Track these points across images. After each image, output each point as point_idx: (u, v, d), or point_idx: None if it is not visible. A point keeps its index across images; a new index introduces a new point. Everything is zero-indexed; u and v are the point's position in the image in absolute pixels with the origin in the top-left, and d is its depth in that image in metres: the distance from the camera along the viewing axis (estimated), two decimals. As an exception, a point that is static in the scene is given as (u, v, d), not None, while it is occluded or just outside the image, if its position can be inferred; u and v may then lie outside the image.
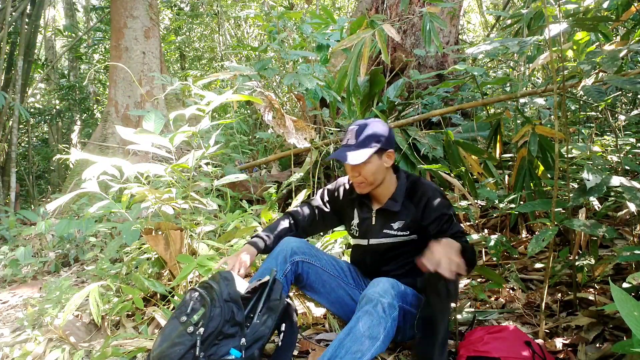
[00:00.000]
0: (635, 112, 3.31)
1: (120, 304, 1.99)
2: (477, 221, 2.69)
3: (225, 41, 9.93)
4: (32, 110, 9.02)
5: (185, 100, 6.33)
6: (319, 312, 1.98)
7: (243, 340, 1.35)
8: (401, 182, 1.70)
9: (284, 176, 3.93)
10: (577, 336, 1.58)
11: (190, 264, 1.83)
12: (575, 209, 2.03)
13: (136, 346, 1.71)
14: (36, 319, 2.16)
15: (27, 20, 7.01)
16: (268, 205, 2.68)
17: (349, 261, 1.93)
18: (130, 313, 2.11)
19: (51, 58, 9.83)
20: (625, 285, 1.60)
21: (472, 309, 1.97)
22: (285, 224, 1.83)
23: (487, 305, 2.01)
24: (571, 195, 1.59)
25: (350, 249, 1.92)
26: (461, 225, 1.65)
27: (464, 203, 2.56)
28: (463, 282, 2.27)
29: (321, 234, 2.88)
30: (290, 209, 1.95)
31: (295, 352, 1.67)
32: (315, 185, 3.16)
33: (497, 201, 2.37)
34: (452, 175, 2.61)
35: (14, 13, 6.53)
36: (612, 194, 1.88)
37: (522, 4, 4.67)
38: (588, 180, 1.50)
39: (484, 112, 3.40)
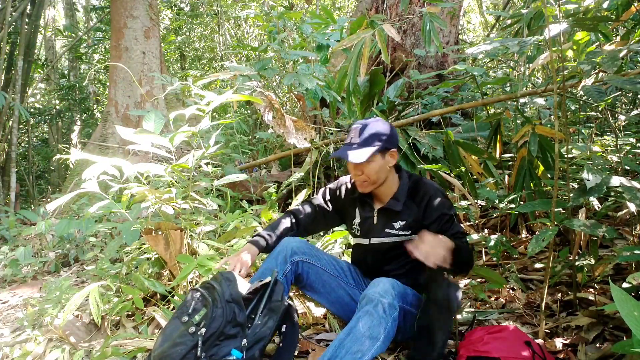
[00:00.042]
0: (635, 112, 3.30)
1: (120, 304, 1.99)
2: (477, 221, 2.69)
3: (225, 41, 9.93)
4: (32, 110, 9.02)
5: (185, 100, 6.33)
6: (319, 312, 1.98)
7: (244, 341, 1.35)
8: (403, 182, 1.70)
9: (284, 176, 3.93)
10: (577, 336, 1.58)
11: (190, 264, 1.83)
12: (575, 209, 2.03)
13: (136, 346, 1.71)
14: (36, 319, 2.16)
15: (27, 20, 7.01)
16: (268, 205, 2.68)
17: (350, 261, 1.93)
18: (130, 313, 2.11)
19: (51, 58, 9.82)
20: (625, 285, 1.60)
21: (472, 309, 1.97)
22: (286, 222, 1.83)
23: (487, 305, 2.01)
24: (571, 195, 1.59)
25: (351, 249, 1.92)
26: (462, 225, 1.65)
27: (464, 203, 2.56)
28: (463, 282, 2.27)
29: (321, 233, 2.88)
30: (292, 207, 1.94)
31: (295, 352, 1.67)
32: (315, 185, 3.16)
33: (497, 201, 2.37)
34: (452, 175, 2.61)
35: (14, 13, 6.53)
36: (612, 194, 1.88)
37: (522, 4, 4.67)
38: (588, 180, 1.50)
39: (484, 112, 3.40)
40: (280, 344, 1.52)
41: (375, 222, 1.71)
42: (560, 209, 1.72)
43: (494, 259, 2.01)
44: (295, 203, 2.54)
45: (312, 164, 3.19)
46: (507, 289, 2.08)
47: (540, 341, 1.56)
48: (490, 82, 3.25)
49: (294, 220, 1.84)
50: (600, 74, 1.84)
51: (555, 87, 1.63)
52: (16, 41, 7.13)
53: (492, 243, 1.98)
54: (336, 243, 2.40)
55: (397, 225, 1.66)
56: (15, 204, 5.77)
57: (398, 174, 1.72)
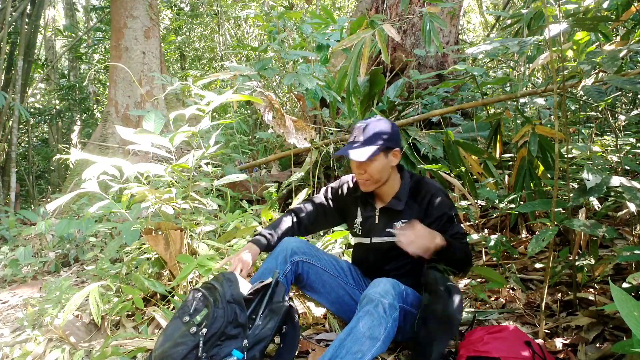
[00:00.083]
0: (635, 112, 3.30)
1: (120, 304, 1.99)
2: (477, 221, 2.69)
3: (225, 41, 9.93)
4: (32, 110, 9.02)
5: (185, 100, 6.33)
6: (319, 312, 1.98)
7: (245, 341, 1.36)
8: (405, 181, 1.70)
9: (284, 176, 3.93)
10: (577, 336, 1.58)
11: (190, 264, 1.83)
12: (575, 209, 2.03)
13: (136, 346, 1.71)
14: (36, 319, 2.16)
15: (27, 20, 7.01)
16: (268, 204, 2.68)
17: (351, 260, 1.93)
18: (130, 313, 2.11)
19: (51, 58, 9.82)
20: (625, 285, 1.60)
21: (472, 309, 1.97)
22: (288, 221, 1.83)
23: (487, 305, 2.01)
24: (571, 195, 1.59)
25: (352, 248, 1.92)
26: (462, 226, 1.65)
27: (464, 203, 2.56)
28: (463, 282, 2.27)
29: (321, 233, 2.88)
30: (293, 206, 1.94)
31: (296, 352, 1.67)
32: (316, 185, 3.16)
33: (497, 201, 2.37)
34: (452, 175, 2.61)
35: (14, 13, 6.52)
36: (612, 194, 1.88)
37: (522, 4, 4.67)
38: (588, 180, 1.50)
39: (484, 112, 3.40)
40: (281, 345, 1.52)
41: (376, 221, 1.71)
42: (560, 209, 1.72)
43: (494, 259, 2.01)
44: (296, 203, 2.54)
45: (312, 164, 3.19)
46: (507, 289, 2.08)
47: (540, 341, 1.56)
48: (490, 82, 3.25)
49: (295, 219, 1.84)
50: (600, 74, 1.84)
51: (555, 87, 1.63)
52: (16, 41, 7.13)
53: (492, 243, 1.98)
54: (336, 243, 2.40)
55: (398, 224, 1.66)
56: (15, 204, 5.77)
57: (400, 173, 1.72)
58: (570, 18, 1.79)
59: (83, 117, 9.88)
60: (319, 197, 1.88)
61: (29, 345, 1.88)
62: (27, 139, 9.03)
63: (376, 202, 1.74)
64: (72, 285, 2.61)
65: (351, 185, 1.82)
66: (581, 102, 2.97)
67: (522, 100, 2.81)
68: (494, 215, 2.80)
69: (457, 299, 1.44)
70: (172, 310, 2.00)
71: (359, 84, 3.50)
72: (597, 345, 1.52)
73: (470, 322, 1.77)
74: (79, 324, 2.11)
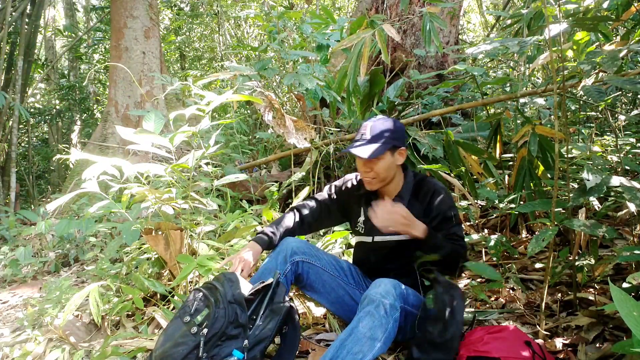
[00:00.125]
0: (635, 112, 3.31)
1: (120, 304, 1.99)
2: (477, 221, 2.69)
3: (225, 41, 9.93)
4: (32, 110, 9.02)
5: (185, 100, 6.33)
6: (319, 312, 1.98)
7: (246, 342, 1.36)
8: (408, 180, 1.70)
9: (284, 176, 3.93)
10: (577, 336, 1.58)
11: (190, 264, 1.83)
12: (575, 209, 2.03)
13: (136, 346, 1.71)
14: (36, 319, 2.16)
15: (27, 20, 7.01)
16: (269, 204, 2.68)
17: (352, 259, 1.93)
18: (130, 313, 2.11)
19: (51, 58, 9.82)
20: (625, 285, 1.60)
21: (472, 309, 1.97)
22: (290, 218, 1.83)
23: (487, 305, 2.01)
24: (571, 195, 1.59)
25: (354, 247, 1.92)
26: (461, 228, 1.64)
27: (464, 203, 2.56)
28: (463, 282, 2.27)
29: (321, 233, 2.88)
30: (296, 203, 1.94)
31: (296, 353, 1.67)
32: (316, 185, 3.16)
33: (497, 201, 2.37)
34: (452, 175, 2.61)
35: (14, 13, 6.52)
36: (612, 194, 1.88)
37: (522, 4, 4.67)
38: (588, 180, 1.50)
39: (484, 112, 3.40)
40: (281, 345, 1.52)
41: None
42: (560, 209, 1.72)
43: (494, 259, 2.01)
44: (296, 202, 2.54)
45: (312, 164, 3.19)
46: (507, 289, 2.08)
47: (540, 341, 1.56)
48: (490, 82, 3.25)
49: (298, 217, 1.84)
50: (600, 74, 1.84)
51: (555, 87, 1.63)
52: (16, 41, 7.13)
53: (492, 243, 1.98)
54: (336, 243, 2.40)
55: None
56: (15, 204, 5.77)
57: (404, 172, 1.72)
58: (570, 18, 1.79)
59: (83, 117, 9.88)
60: (323, 195, 1.88)
61: (29, 345, 1.88)
62: (27, 139, 9.03)
63: (379, 200, 1.74)
64: (72, 285, 2.62)
65: (355, 183, 1.82)
66: (581, 102, 2.97)
67: (522, 100, 2.81)
68: (494, 215, 2.80)
69: (457, 314, 1.44)
70: (172, 310, 2.00)
71: (359, 84, 3.50)
72: (597, 345, 1.52)
73: (470, 322, 1.77)
74: (79, 324, 2.11)
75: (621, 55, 1.47)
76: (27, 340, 1.98)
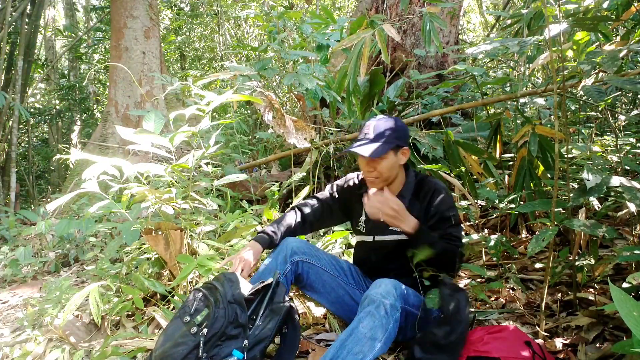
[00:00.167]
0: (635, 112, 3.31)
1: (120, 304, 1.99)
2: (477, 221, 2.69)
3: (225, 41, 9.93)
4: (32, 110, 9.02)
5: (185, 100, 6.33)
6: (319, 312, 1.98)
7: (245, 342, 1.36)
8: (410, 180, 1.70)
9: (284, 176, 3.93)
10: (577, 336, 1.58)
11: (190, 264, 1.83)
12: (575, 209, 2.02)
13: (136, 346, 1.71)
14: (36, 319, 2.16)
15: (27, 20, 7.01)
16: (269, 204, 2.68)
17: (352, 259, 1.93)
18: (130, 313, 2.11)
19: (51, 58, 9.83)
20: (625, 285, 1.60)
21: (472, 309, 1.97)
22: (292, 217, 1.83)
23: (487, 305, 2.01)
24: (571, 195, 1.59)
25: (354, 247, 1.92)
26: (459, 229, 1.64)
27: (464, 203, 2.56)
28: (463, 282, 2.27)
29: (321, 233, 2.89)
30: (298, 202, 1.94)
31: (296, 353, 1.67)
32: (316, 185, 3.16)
33: (497, 201, 2.37)
34: (452, 175, 2.61)
35: (14, 13, 6.52)
36: (612, 194, 1.88)
37: (522, 4, 4.67)
38: (588, 180, 1.50)
39: (484, 112, 3.40)
40: (281, 345, 1.52)
41: (380, 219, 1.71)
42: (560, 209, 1.72)
43: (494, 259, 2.01)
44: (296, 202, 2.54)
45: (312, 164, 3.19)
46: (507, 289, 2.08)
47: (540, 341, 1.56)
48: (490, 82, 3.25)
49: (300, 215, 1.84)
50: (600, 74, 1.84)
51: (555, 87, 1.63)
52: (16, 41, 7.13)
53: (492, 243, 1.98)
54: (336, 243, 2.40)
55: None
56: (15, 204, 5.77)
57: (406, 172, 1.72)
58: (570, 18, 1.79)
59: (83, 117, 9.88)
60: (324, 194, 1.88)
61: (29, 345, 1.88)
62: (27, 139, 9.03)
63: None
64: (72, 285, 2.62)
65: (356, 182, 1.82)
66: (581, 102, 2.97)
67: (522, 100, 2.81)
68: (494, 215, 2.80)
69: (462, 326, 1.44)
70: (172, 310, 2.00)
71: (359, 84, 3.50)
72: (597, 345, 1.52)
73: (470, 322, 1.77)
74: (79, 324, 2.11)
75: (621, 55, 1.47)
76: (27, 340, 1.98)
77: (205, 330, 1.33)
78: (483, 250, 2.48)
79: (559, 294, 1.93)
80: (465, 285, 2.23)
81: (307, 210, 1.85)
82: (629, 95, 3.76)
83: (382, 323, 1.37)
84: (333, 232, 2.46)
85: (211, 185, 2.33)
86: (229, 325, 1.36)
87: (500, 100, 2.95)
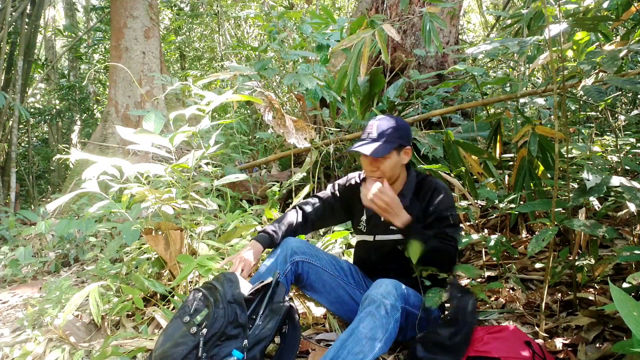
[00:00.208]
0: (635, 112, 3.31)
1: (120, 304, 1.99)
2: (477, 221, 2.69)
3: (225, 41, 9.93)
4: (32, 110, 9.02)
5: (185, 100, 6.33)
6: (319, 312, 1.98)
7: (245, 341, 1.36)
8: (411, 179, 1.71)
9: (284, 176, 3.93)
10: (577, 336, 1.58)
11: (190, 264, 1.83)
12: (575, 209, 2.02)
13: (136, 346, 1.71)
14: (36, 319, 2.16)
15: (27, 20, 7.01)
16: (269, 203, 2.68)
17: (352, 259, 1.93)
18: (130, 313, 2.11)
19: (51, 58, 9.83)
20: (625, 285, 1.59)
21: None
22: (294, 216, 1.83)
23: (487, 305, 2.01)
24: (571, 195, 1.59)
25: (355, 246, 1.92)
26: (456, 229, 1.64)
27: (464, 203, 2.56)
28: (462, 282, 2.27)
29: (321, 233, 2.89)
30: (299, 201, 1.94)
31: (296, 353, 1.67)
32: (316, 185, 3.16)
33: (497, 201, 2.36)
34: (452, 175, 2.61)
35: (14, 13, 6.53)
36: (612, 194, 1.88)
37: (522, 4, 4.67)
38: (588, 180, 1.50)
39: (484, 112, 3.40)
40: (281, 345, 1.52)
41: (382, 218, 1.71)
42: (560, 209, 1.72)
43: (494, 259, 2.01)
44: (297, 202, 2.54)
45: (312, 164, 3.19)
46: (507, 289, 2.08)
47: (540, 341, 1.56)
48: (490, 82, 3.25)
49: (301, 215, 1.84)
50: (600, 74, 1.84)
51: (555, 87, 1.62)
52: (16, 41, 7.13)
53: (492, 243, 1.98)
54: (336, 243, 2.40)
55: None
56: (15, 204, 5.77)
57: (407, 171, 1.72)
58: (570, 18, 1.79)
59: (83, 117, 9.88)
60: (326, 193, 1.88)
61: (29, 345, 1.88)
62: (27, 139, 9.03)
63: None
64: (72, 285, 2.61)
65: (358, 181, 1.82)
66: (581, 102, 2.97)
67: (522, 100, 2.81)
68: (494, 215, 2.80)
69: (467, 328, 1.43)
70: (172, 310, 2.00)
71: (359, 84, 3.50)
72: (597, 345, 1.52)
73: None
74: (79, 324, 2.11)
75: (621, 55, 1.47)
76: (27, 340, 1.98)
77: (205, 330, 1.33)
78: (483, 250, 2.48)
79: (559, 294, 1.93)
80: (465, 285, 2.23)
81: (308, 209, 1.84)
82: (629, 95, 3.76)
83: (382, 323, 1.37)
84: (333, 232, 2.46)
85: (211, 185, 2.33)
86: (228, 325, 1.36)
87: (500, 100, 2.95)
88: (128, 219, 2.22)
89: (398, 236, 1.66)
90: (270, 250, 1.77)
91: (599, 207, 2.11)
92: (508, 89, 3.90)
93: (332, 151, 3.21)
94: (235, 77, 2.72)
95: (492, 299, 2.07)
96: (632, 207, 1.63)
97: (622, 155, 2.33)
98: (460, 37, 6.10)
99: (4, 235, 3.98)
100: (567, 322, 1.68)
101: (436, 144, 3.06)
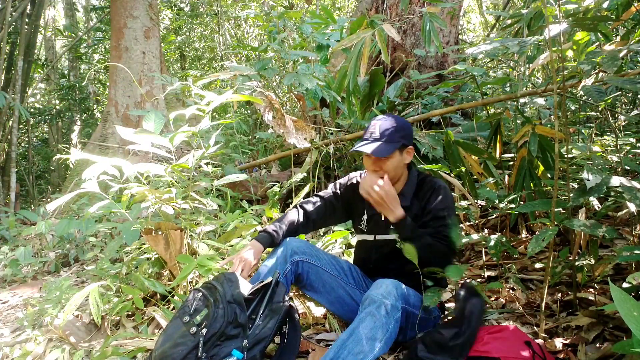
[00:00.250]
0: (635, 112, 3.31)
1: (120, 304, 1.99)
2: (477, 221, 2.69)
3: (225, 41, 9.93)
4: (32, 110, 9.02)
5: (185, 100, 6.33)
6: (319, 312, 1.98)
7: (245, 341, 1.36)
8: (412, 179, 1.71)
9: (284, 176, 3.93)
10: (577, 336, 1.58)
11: (190, 264, 1.83)
12: (575, 209, 2.02)
13: (136, 346, 1.71)
14: (36, 319, 2.16)
15: (27, 20, 7.01)
16: (269, 203, 2.68)
17: (353, 258, 1.93)
18: (130, 313, 2.11)
19: (51, 58, 9.83)
20: (625, 285, 1.59)
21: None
22: (295, 216, 1.82)
23: (487, 305, 2.01)
24: (571, 195, 1.59)
25: (355, 246, 1.92)
26: (453, 229, 1.63)
27: (464, 203, 2.56)
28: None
29: (321, 233, 2.89)
30: (301, 201, 1.94)
31: (296, 353, 1.67)
32: (316, 185, 3.16)
33: (497, 201, 2.37)
34: (452, 175, 2.61)
35: (14, 13, 6.53)
36: (612, 194, 1.88)
37: (522, 4, 4.67)
38: (588, 180, 1.50)
39: (484, 112, 3.40)
40: (281, 345, 1.52)
41: (382, 218, 1.71)
42: (560, 209, 1.72)
43: (494, 259, 2.01)
44: (297, 201, 2.54)
45: (312, 164, 3.19)
46: (507, 289, 2.08)
47: (540, 341, 1.56)
48: (490, 82, 3.25)
49: (302, 214, 1.83)
50: (600, 74, 1.84)
51: (555, 87, 1.62)
52: (16, 41, 7.13)
53: (492, 243, 1.98)
54: (336, 243, 2.40)
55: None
56: (15, 204, 5.77)
57: (408, 171, 1.72)
58: (570, 18, 1.79)
59: (83, 117, 9.88)
60: (327, 192, 1.88)
61: (29, 345, 1.88)
62: (27, 139, 9.03)
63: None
64: (72, 285, 2.61)
65: (359, 180, 1.82)
66: (581, 102, 2.97)
67: (522, 100, 2.81)
68: (494, 215, 2.80)
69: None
70: (172, 310, 2.00)
71: (359, 84, 3.50)
72: (597, 345, 1.52)
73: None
74: (79, 324, 2.11)
75: (621, 55, 1.47)
76: (27, 340, 1.98)
77: (204, 330, 1.33)
78: (483, 250, 2.48)
79: (559, 294, 1.93)
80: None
81: (310, 208, 1.84)
82: (629, 95, 3.76)
83: (382, 323, 1.37)
84: (333, 232, 2.46)
85: (211, 185, 2.33)
86: (228, 325, 1.36)
87: (500, 100, 2.95)
88: (128, 219, 2.22)
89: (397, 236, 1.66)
90: (271, 249, 1.77)
91: (599, 207, 2.11)
92: (508, 89, 3.90)
93: (332, 151, 3.21)
94: (235, 77, 2.72)
95: (492, 299, 2.06)
96: (632, 207, 1.63)
97: (622, 155, 2.33)
98: (460, 37, 6.10)
99: (4, 235, 3.98)
100: (567, 322, 1.68)
101: (436, 144, 3.06)
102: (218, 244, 2.28)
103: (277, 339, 1.58)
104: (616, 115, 3.21)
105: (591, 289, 1.87)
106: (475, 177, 2.74)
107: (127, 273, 2.33)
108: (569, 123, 3.04)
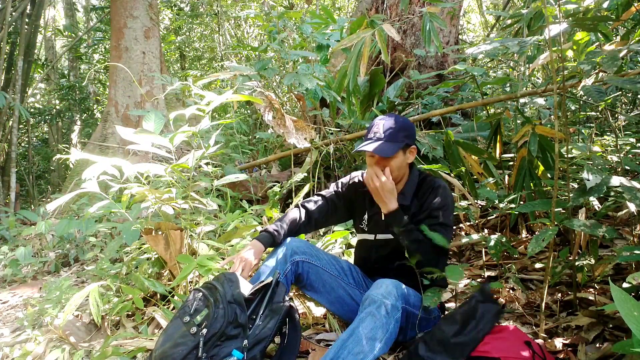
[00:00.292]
0: (635, 112, 3.31)
1: (120, 304, 1.99)
2: (477, 221, 2.69)
3: (225, 41, 9.93)
4: (32, 110, 9.02)
5: (185, 100, 6.33)
6: (319, 312, 1.98)
7: (245, 341, 1.36)
8: (413, 179, 1.71)
9: (284, 176, 3.93)
10: (577, 336, 1.58)
11: (190, 264, 1.83)
12: (575, 209, 2.02)
13: (136, 346, 1.71)
14: (36, 319, 2.16)
15: (27, 20, 7.01)
16: (270, 204, 2.68)
17: (353, 258, 1.93)
18: (130, 313, 2.11)
19: (51, 58, 9.83)
20: (625, 285, 1.59)
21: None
22: (297, 215, 1.82)
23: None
24: (571, 195, 1.59)
25: (355, 245, 1.92)
26: (447, 230, 1.63)
27: (464, 203, 2.56)
28: (463, 282, 2.27)
29: (321, 233, 2.89)
30: (302, 200, 1.94)
31: (297, 353, 1.67)
32: (316, 185, 3.16)
33: (497, 201, 2.37)
34: (452, 175, 2.61)
35: (14, 13, 6.52)
36: (612, 194, 1.88)
37: (522, 4, 4.67)
38: (588, 180, 1.50)
39: (484, 112, 3.40)
40: (281, 345, 1.52)
41: (382, 217, 1.71)
42: (560, 209, 1.72)
43: (494, 259, 2.01)
44: (297, 201, 2.54)
45: (312, 164, 3.19)
46: (507, 289, 2.08)
47: (540, 341, 1.56)
48: (490, 82, 3.25)
49: (303, 213, 1.83)
50: (600, 74, 1.84)
51: (555, 87, 1.62)
52: (16, 41, 7.13)
53: (492, 243, 1.97)
54: (336, 243, 2.40)
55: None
56: (15, 204, 5.77)
57: (410, 170, 1.73)
58: (570, 18, 1.79)
59: (83, 117, 9.88)
60: (329, 191, 1.88)
61: (29, 345, 1.88)
62: (27, 139, 9.03)
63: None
64: (72, 285, 2.61)
65: (361, 180, 1.82)
66: (581, 102, 2.97)
67: (522, 100, 2.81)
68: (494, 215, 2.80)
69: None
70: (172, 310, 2.00)
71: (359, 84, 3.50)
72: (597, 345, 1.52)
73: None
74: (79, 324, 2.11)
75: (621, 55, 1.47)
76: (27, 340, 1.98)
77: (204, 331, 1.33)
78: (483, 250, 2.48)
79: (559, 294, 1.93)
80: (465, 285, 2.23)
81: (311, 207, 1.84)
82: (629, 95, 3.76)
83: (382, 323, 1.37)
84: (333, 232, 2.46)
85: (211, 185, 2.33)
86: (228, 325, 1.36)
87: (500, 100, 2.95)
88: (128, 219, 2.22)
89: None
90: (272, 249, 1.77)
91: (599, 207, 2.11)
92: (508, 89, 3.90)
93: (332, 151, 3.21)
94: (235, 77, 2.72)
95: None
96: (632, 207, 1.63)
97: (622, 155, 2.33)
98: (460, 37, 6.10)
99: (4, 235, 3.98)
100: (567, 322, 1.68)
101: (436, 144, 3.06)
102: (218, 244, 2.28)
103: (277, 339, 1.58)
104: (616, 115, 3.21)
105: (591, 289, 1.87)
106: (475, 177, 2.75)
107: (127, 273, 2.33)
108: (569, 123, 3.04)
